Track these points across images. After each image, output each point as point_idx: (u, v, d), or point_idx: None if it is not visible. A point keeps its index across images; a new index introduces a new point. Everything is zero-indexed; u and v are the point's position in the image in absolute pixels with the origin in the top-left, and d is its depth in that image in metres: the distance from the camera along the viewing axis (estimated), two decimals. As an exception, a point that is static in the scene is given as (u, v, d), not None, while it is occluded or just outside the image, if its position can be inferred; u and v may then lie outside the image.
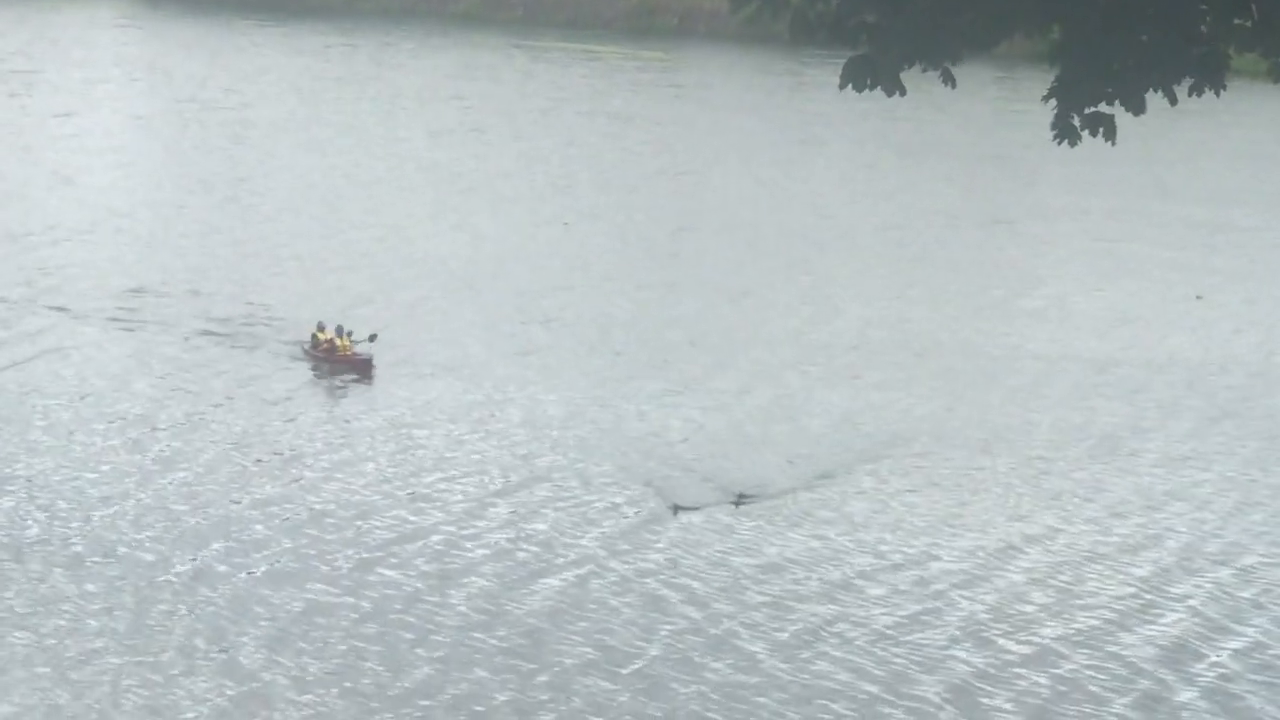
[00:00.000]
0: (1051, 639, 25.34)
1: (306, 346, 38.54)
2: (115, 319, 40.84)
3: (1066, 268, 54.62)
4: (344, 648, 23.83)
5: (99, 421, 33.17)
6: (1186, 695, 23.75)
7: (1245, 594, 27.58)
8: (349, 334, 37.90)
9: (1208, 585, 27.76)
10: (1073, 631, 25.67)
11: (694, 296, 46.98)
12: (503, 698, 22.54)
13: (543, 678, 22.99)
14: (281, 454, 32.02)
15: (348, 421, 34.34)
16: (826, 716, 22.47)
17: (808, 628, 25.12)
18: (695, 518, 29.43)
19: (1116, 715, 23.11)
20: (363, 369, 37.39)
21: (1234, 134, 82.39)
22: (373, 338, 38.12)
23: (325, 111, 78.45)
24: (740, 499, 30.31)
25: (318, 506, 29.35)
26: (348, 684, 22.79)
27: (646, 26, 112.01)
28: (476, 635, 24.34)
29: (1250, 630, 26.09)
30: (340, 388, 36.61)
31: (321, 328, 38.41)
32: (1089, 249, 58.12)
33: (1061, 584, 27.68)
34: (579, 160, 69.92)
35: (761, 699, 22.70)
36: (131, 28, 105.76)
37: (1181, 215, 65.03)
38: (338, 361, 37.62)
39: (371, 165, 65.84)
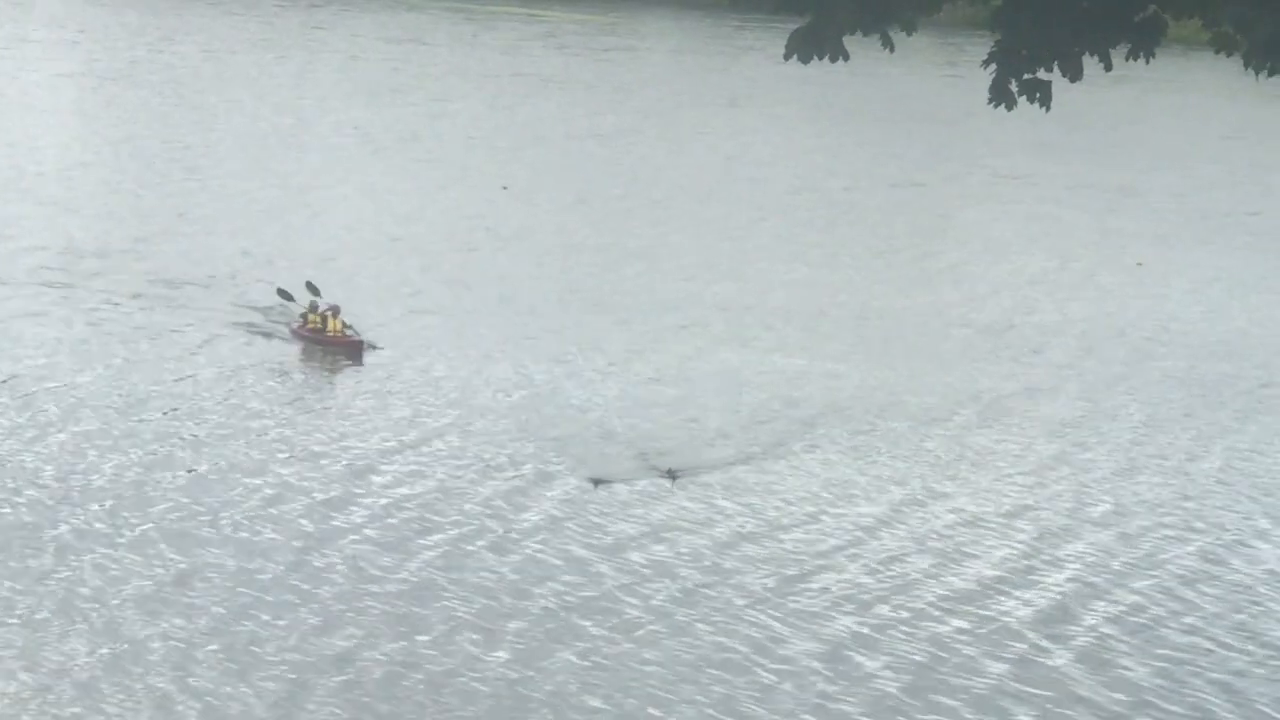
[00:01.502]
0: (933, 602, 25.14)
1: (294, 325, 36.98)
2: (52, 285, 40.35)
3: (1005, 234, 54.84)
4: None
5: (59, 400, 31.98)
6: (1065, 658, 23.73)
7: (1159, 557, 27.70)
8: (336, 310, 36.25)
9: (1099, 551, 27.76)
10: (967, 596, 25.49)
11: (626, 262, 46.77)
12: (390, 683, 22.03)
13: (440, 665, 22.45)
14: (223, 429, 31.53)
15: (292, 399, 33.85)
16: (714, 686, 22.19)
17: (686, 593, 24.69)
18: (617, 491, 28.85)
19: (999, 677, 23.04)
20: (353, 352, 35.83)
21: (1169, 99, 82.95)
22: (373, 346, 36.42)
23: (263, 75, 77.92)
24: (671, 473, 29.69)
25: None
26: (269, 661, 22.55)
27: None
28: (366, 604, 23.69)
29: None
30: (316, 369, 35.28)
31: (314, 307, 36.73)
32: (1028, 215, 58.41)
33: (970, 550, 27.39)
34: (518, 124, 69.77)
35: (663, 676, 22.38)
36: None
37: (1121, 181, 65.45)
38: (327, 343, 36.06)
39: (308, 129, 65.53)
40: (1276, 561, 27.88)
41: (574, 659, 22.53)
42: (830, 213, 56.76)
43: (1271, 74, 15.47)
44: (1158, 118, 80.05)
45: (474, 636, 22.98)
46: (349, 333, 36.22)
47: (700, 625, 23.77)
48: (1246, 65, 15.46)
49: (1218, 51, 16.10)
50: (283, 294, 38.01)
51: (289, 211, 50.85)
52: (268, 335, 37.00)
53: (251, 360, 35.31)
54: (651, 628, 23.63)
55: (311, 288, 37.91)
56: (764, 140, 69.50)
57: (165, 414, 31.50)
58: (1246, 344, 42.36)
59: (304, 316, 36.82)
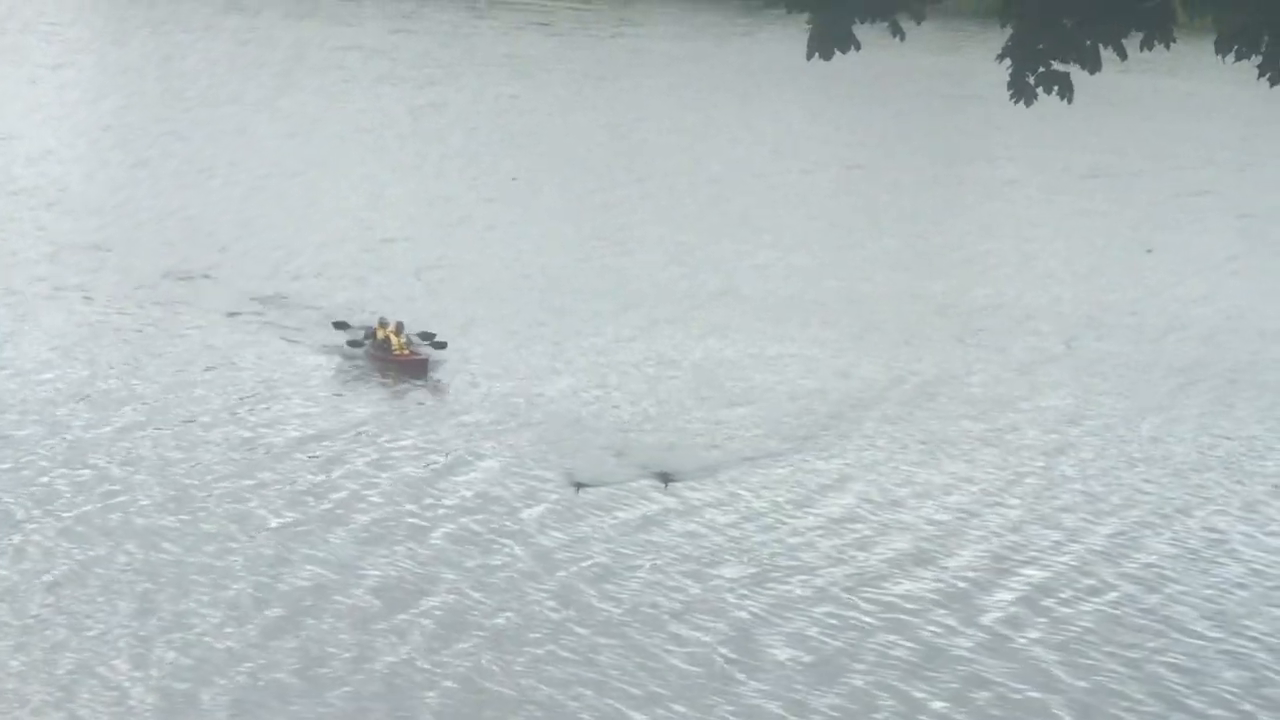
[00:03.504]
0: (925, 598, 25.13)
1: (364, 343, 35.66)
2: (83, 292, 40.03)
3: (1014, 222, 54.77)
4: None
5: (107, 408, 31.70)
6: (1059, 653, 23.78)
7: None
8: (405, 334, 35.30)
9: (1113, 537, 27.83)
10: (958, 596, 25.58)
11: (634, 255, 46.66)
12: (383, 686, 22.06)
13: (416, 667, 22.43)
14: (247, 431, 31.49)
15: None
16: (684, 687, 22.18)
17: (674, 595, 24.65)
18: (602, 494, 28.57)
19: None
20: (417, 369, 34.78)
21: (1184, 88, 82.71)
22: (438, 344, 35.59)
23: (268, 72, 77.78)
24: (665, 478, 29.23)
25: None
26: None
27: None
28: (374, 626, 23.59)
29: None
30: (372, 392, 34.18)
31: (383, 323, 35.68)
32: (1038, 202, 58.30)
33: (974, 544, 27.44)
34: (527, 117, 69.66)
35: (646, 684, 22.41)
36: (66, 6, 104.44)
37: (1133, 170, 65.33)
38: (392, 361, 34.97)
39: (318, 129, 65.36)
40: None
41: (566, 661, 22.57)
42: (840, 203, 56.71)
43: (1239, 58, 15.42)
44: (1172, 106, 79.90)
45: (462, 644, 22.95)
46: (413, 350, 35.22)
47: (685, 627, 23.71)
48: (1260, 74, 15.46)
49: (1219, 53, 16.05)
50: (339, 325, 36.94)
51: (290, 212, 50.44)
52: (329, 354, 36.03)
53: (306, 379, 34.62)
54: (636, 631, 23.58)
55: (340, 325, 36.90)
56: (779, 131, 69.37)
57: (223, 429, 31.06)
58: (1255, 330, 42.32)
59: (372, 334, 35.69)
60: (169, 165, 55.88)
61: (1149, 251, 51.19)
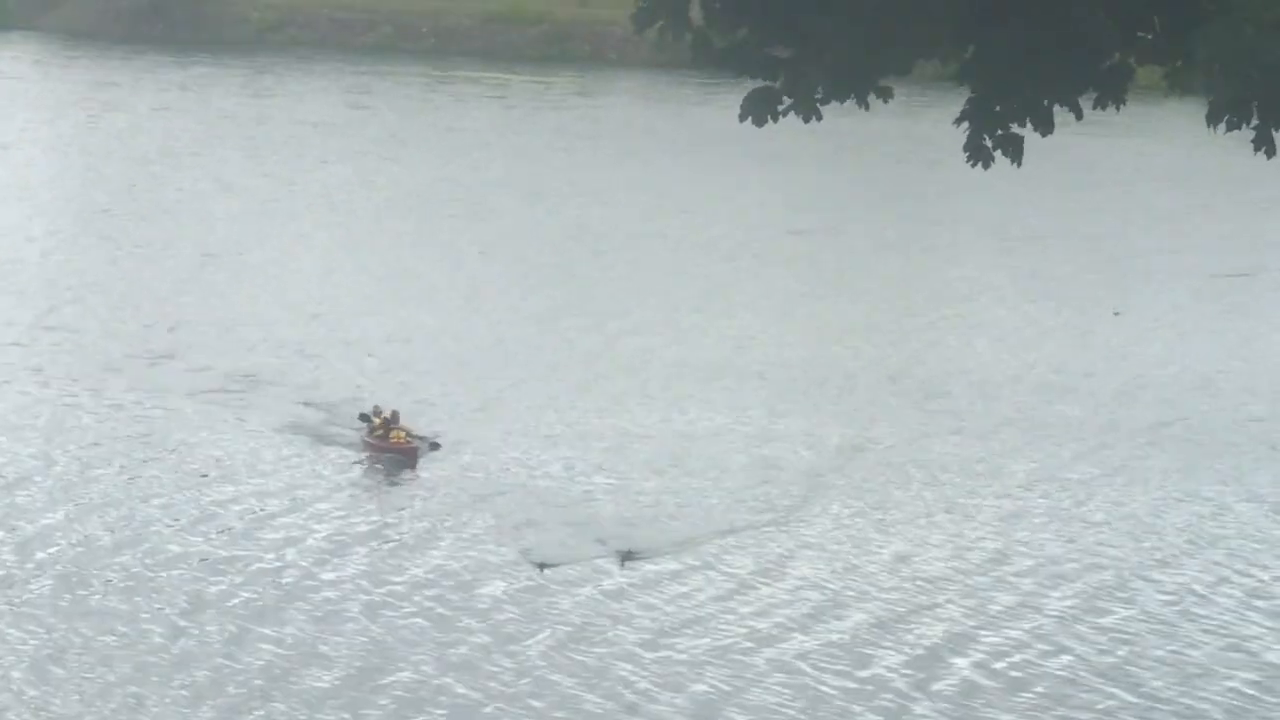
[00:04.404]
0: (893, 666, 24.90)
1: (363, 434, 34.92)
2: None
3: (978, 285, 54.69)
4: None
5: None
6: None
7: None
8: (395, 417, 34.49)
9: (1070, 602, 27.59)
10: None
11: (592, 326, 46.36)
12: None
13: None
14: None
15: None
16: None
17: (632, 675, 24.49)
18: (566, 574, 28.15)
19: None
20: (407, 458, 33.99)
21: (1138, 147, 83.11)
22: (434, 445, 34.84)
23: (227, 146, 77.63)
24: (626, 555, 28.73)
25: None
26: None
27: (558, 54, 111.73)
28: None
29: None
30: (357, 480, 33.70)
31: (378, 412, 34.97)
32: (1001, 266, 58.25)
33: (942, 610, 27.17)
34: (484, 188, 69.53)
35: None
36: (29, 64, 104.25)
37: (1094, 232, 65.40)
38: (386, 450, 34.22)
39: (273, 197, 65.15)
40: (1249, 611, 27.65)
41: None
42: (800, 268, 56.57)
43: (1230, 129, 15.43)
44: (1128, 167, 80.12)
45: None
46: (408, 439, 34.33)
47: (644, 700, 23.41)
48: (1256, 149, 15.43)
49: (1172, 92, 16.03)
50: (364, 418, 35.64)
51: (247, 289, 50.03)
52: (328, 443, 35.30)
53: (259, 459, 34.08)
54: (594, 706, 23.31)
55: (364, 417, 35.67)
56: (733, 198, 69.34)
57: (182, 509, 30.78)
58: (1223, 392, 42.20)
59: (369, 424, 35.00)
60: (122, 242, 55.52)
61: (1116, 314, 51.08)
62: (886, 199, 71.70)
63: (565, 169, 75.59)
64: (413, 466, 33.88)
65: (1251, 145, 15.30)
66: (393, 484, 32.87)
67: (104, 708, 22.87)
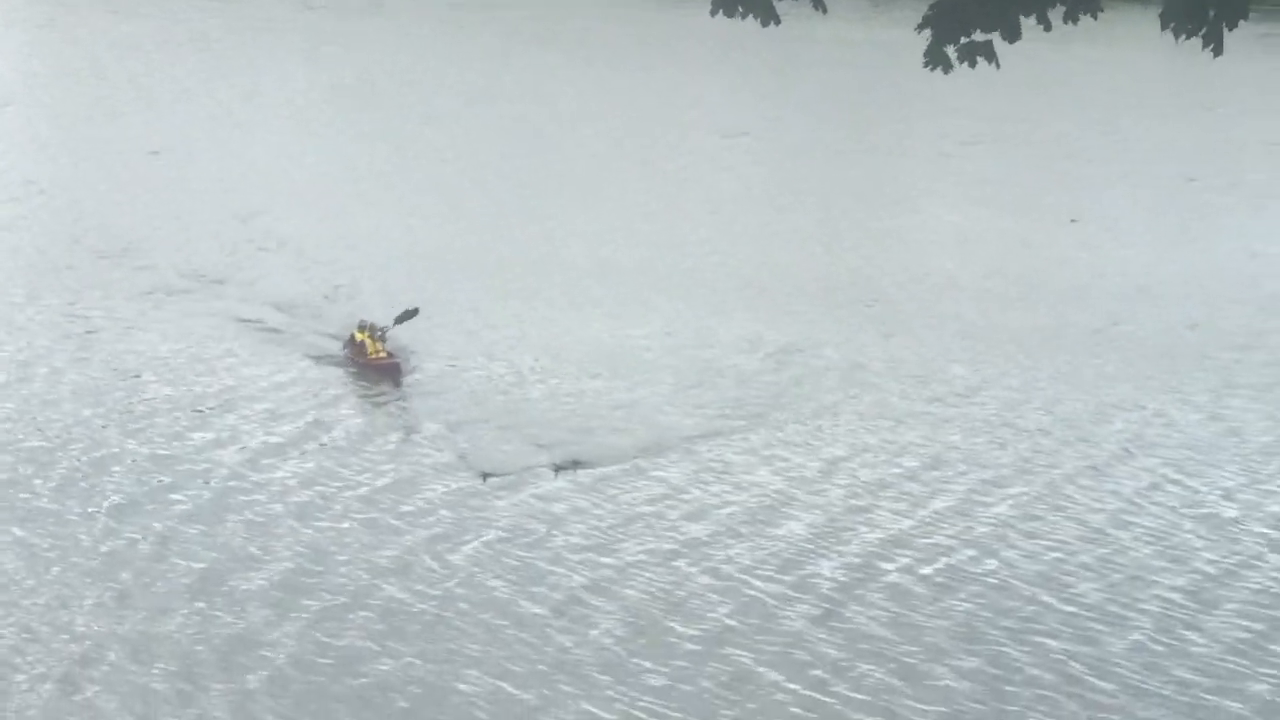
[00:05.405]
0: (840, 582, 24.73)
1: (343, 348, 34.36)
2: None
3: (937, 192, 54.45)
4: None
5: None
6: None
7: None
8: (380, 332, 33.75)
9: (1016, 507, 27.41)
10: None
11: (543, 230, 45.99)
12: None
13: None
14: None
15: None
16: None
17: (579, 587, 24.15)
18: (506, 482, 27.70)
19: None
20: (390, 374, 33.13)
21: (1106, 56, 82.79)
22: (409, 313, 34.19)
23: (176, 46, 76.71)
24: (559, 467, 28.26)
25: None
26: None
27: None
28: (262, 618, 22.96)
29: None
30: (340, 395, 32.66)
31: (362, 327, 34.12)
32: (960, 173, 58.03)
33: (891, 524, 26.95)
34: (427, 88, 68.98)
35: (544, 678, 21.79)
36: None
37: (1056, 139, 65.15)
38: (366, 366, 33.50)
39: (222, 98, 64.45)
40: (1187, 507, 27.56)
41: (461, 644, 22.13)
42: (757, 174, 56.29)
43: (1188, 37, 15.06)
44: (1097, 75, 79.82)
45: (354, 631, 22.46)
46: (387, 353, 33.67)
47: (584, 609, 23.25)
48: (1204, 46, 15.07)
49: (1164, 27, 15.62)
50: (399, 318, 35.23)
51: (185, 180, 49.63)
52: (312, 358, 34.58)
53: (280, 384, 33.19)
54: (537, 614, 23.13)
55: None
56: (690, 103, 68.88)
57: (181, 426, 30.15)
58: (1168, 299, 42.06)
59: (351, 337, 34.44)
60: (68, 142, 55.03)
61: (1073, 221, 50.91)
62: (847, 104, 71.38)
63: (515, 71, 74.95)
64: (397, 381, 33.01)
65: (1201, 42, 14.89)
66: (331, 389, 32.37)
67: (31, 605, 22.70)
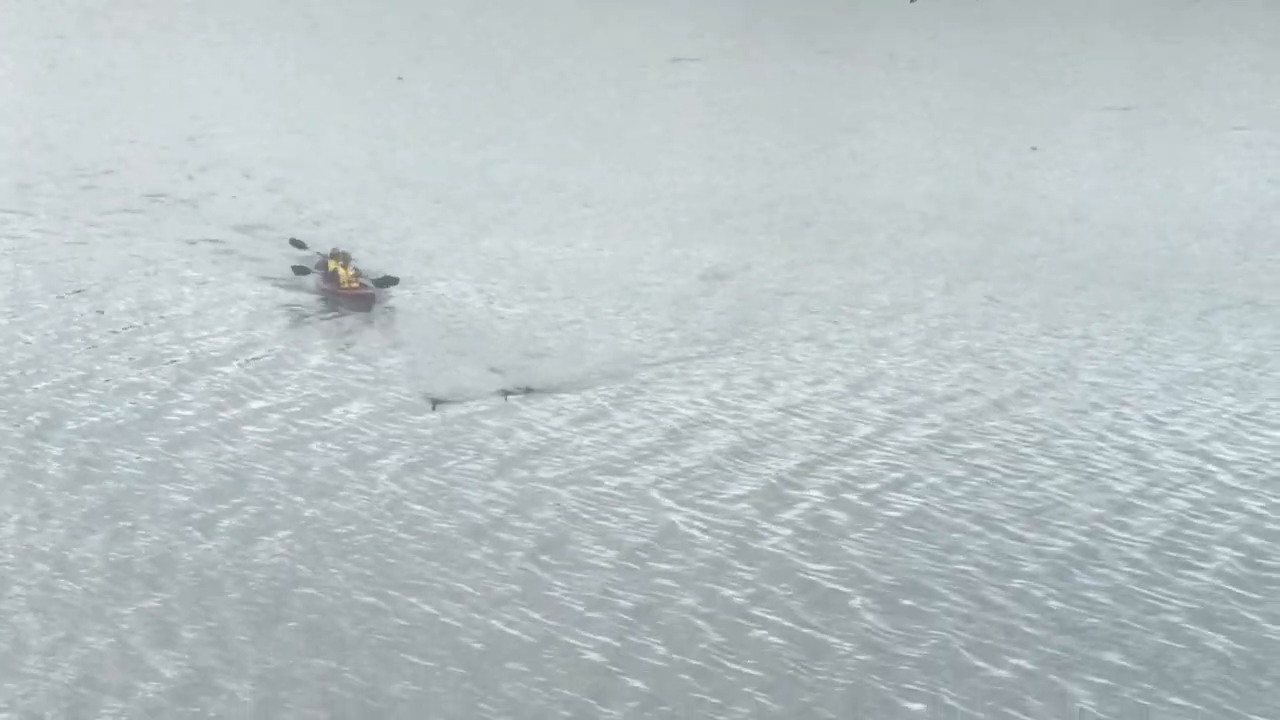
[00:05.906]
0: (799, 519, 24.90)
1: (314, 272, 34.62)
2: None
3: (901, 120, 54.38)
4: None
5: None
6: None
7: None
8: (354, 267, 34.09)
9: (983, 436, 27.52)
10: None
11: (515, 161, 46.03)
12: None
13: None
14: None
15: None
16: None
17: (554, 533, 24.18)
18: (457, 411, 27.72)
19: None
20: (362, 303, 33.42)
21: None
22: (389, 279, 34.23)
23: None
24: (508, 392, 28.32)
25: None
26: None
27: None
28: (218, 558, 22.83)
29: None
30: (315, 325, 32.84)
31: (335, 254, 34.39)
32: (924, 101, 57.92)
33: (852, 453, 27.00)
34: (385, 15, 68.53)
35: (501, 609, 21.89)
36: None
37: (1020, 69, 65.00)
38: (339, 295, 33.72)
39: (188, 29, 64.03)
40: (1161, 440, 27.72)
41: (401, 573, 22.10)
42: (718, 101, 56.13)
43: None
44: (1063, 9, 79.49)
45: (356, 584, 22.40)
46: (361, 283, 33.93)
47: (515, 536, 23.25)
48: None
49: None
50: (295, 243, 35.87)
51: (146, 107, 49.47)
52: (285, 287, 34.87)
53: (256, 314, 33.46)
54: (479, 541, 23.15)
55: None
56: (634, 27, 68.62)
57: (159, 361, 30.16)
58: (1107, 227, 42.15)
59: (323, 265, 34.57)
60: (28, 73, 54.58)
61: (1033, 149, 50.97)
62: (814, 33, 70.98)
63: (495, 14, 74.56)
64: (368, 310, 33.22)
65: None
66: (286, 314, 32.44)
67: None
